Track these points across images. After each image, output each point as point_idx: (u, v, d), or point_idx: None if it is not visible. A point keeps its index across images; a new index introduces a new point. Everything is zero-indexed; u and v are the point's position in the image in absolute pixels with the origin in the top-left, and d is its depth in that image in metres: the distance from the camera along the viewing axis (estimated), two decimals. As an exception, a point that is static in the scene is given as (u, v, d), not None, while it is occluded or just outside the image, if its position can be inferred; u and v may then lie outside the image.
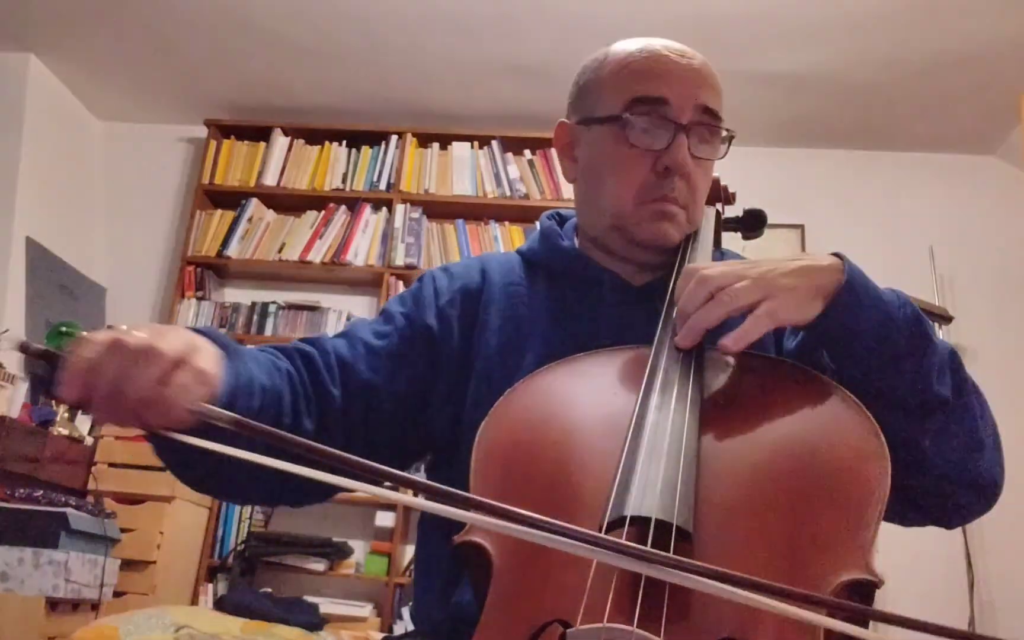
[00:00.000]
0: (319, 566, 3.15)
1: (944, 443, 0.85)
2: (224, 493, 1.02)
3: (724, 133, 1.01)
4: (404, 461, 1.02)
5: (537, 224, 1.13)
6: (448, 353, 1.00)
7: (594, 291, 1.02)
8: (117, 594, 2.66)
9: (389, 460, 0.64)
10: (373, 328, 1.01)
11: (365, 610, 3.09)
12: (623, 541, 0.58)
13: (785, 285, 0.81)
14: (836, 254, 0.86)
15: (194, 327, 0.81)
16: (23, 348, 0.68)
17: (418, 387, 0.99)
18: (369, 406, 0.96)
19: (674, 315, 0.88)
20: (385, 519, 3.23)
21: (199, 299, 3.58)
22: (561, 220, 1.14)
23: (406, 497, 0.62)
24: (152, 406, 0.66)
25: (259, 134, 3.83)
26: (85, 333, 0.69)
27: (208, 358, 0.73)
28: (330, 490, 0.99)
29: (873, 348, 0.83)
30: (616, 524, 0.65)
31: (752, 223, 1.13)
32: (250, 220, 3.69)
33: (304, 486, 0.93)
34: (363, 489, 0.62)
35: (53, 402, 3.04)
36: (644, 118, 0.98)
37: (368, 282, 3.65)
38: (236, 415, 0.65)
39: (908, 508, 0.90)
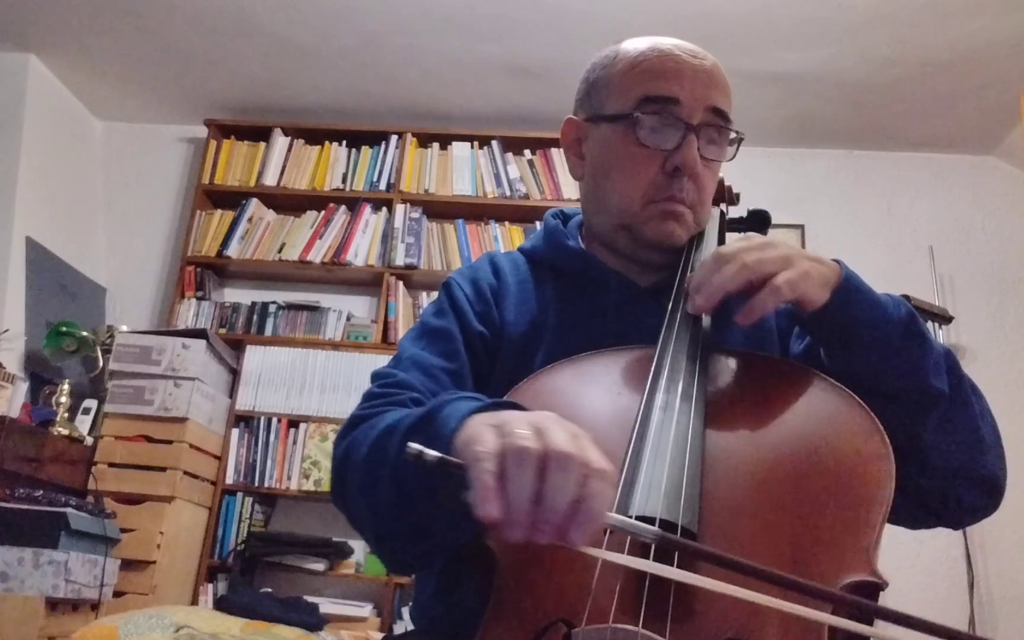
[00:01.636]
0: (319, 566, 3.15)
1: (945, 438, 0.86)
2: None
3: (733, 135, 1.01)
4: None
5: (538, 224, 1.13)
6: (498, 352, 1.00)
7: (600, 290, 1.02)
8: (117, 594, 2.66)
9: None
10: (438, 350, 0.97)
11: (365, 610, 3.08)
12: (641, 525, 0.58)
13: (804, 266, 0.82)
14: (834, 260, 0.87)
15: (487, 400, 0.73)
16: (417, 457, 0.61)
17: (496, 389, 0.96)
18: None
19: (679, 311, 0.88)
20: (385, 519, 3.22)
21: (199, 299, 3.58)
22: (565, 218, 1.14)
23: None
24: (577, 525, 0.58)
25: (259, 134, 3.83)
26: (477, 443, 0.60)
27: (594, 445, 0.62)
28: None
29: (870, 343, 0.83)
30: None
31: (756, 223, 1.13)
32: (250, 220, 3.69)
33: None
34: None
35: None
36: (654, 117, 0.97)
37: (368, 282, 3.65)
38: (663, 533, 0.59)
39: (916, 510, 0.90)
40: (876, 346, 0.84)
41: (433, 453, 0.61)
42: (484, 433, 0.61)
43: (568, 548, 0.59)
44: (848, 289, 0.84)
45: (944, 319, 3.30)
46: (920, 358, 0.85)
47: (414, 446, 0.61)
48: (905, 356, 0.84)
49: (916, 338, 0.85)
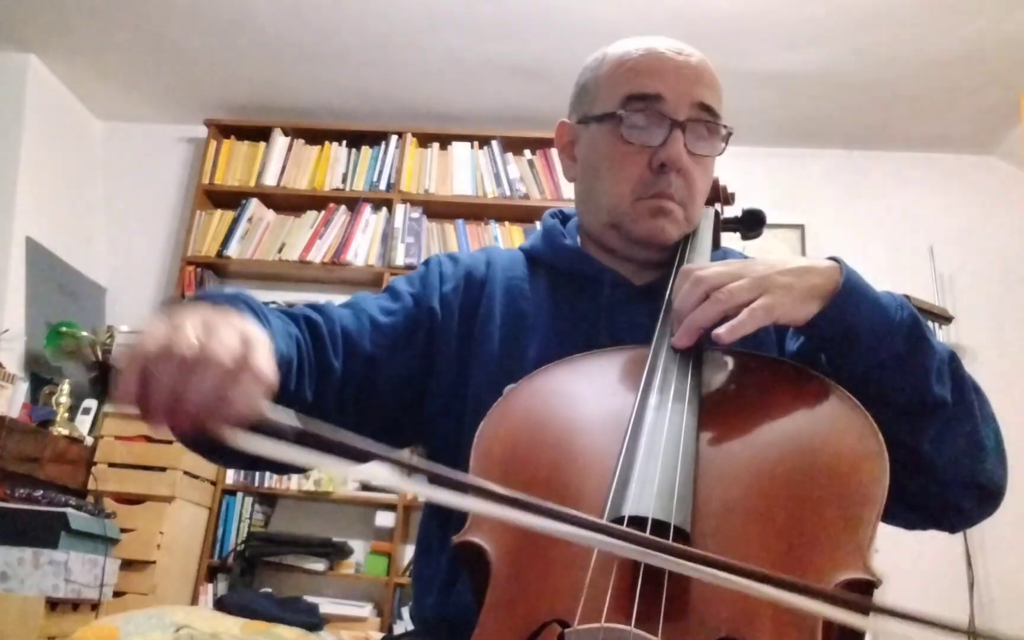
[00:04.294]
0: (319, 566, 3.15)
1: (944, 446, 0.85)
2: (231, 464, 1.00)
3: (723, 130, 1.01)
4: (394, 444, 1.00)
5: (538, 223, 1.13)
6: (447, 341, 1.00)
7: (595, 290, 1.02)
8: (117, 594, 2.67)
9: (378, 439, 0.64)
10: (380, 304, 1.01)
11: (365, 610, 3.09)
12: (625, 529, 0.58)
13: (782, 284, 0.81)
14: (834, 258, 0.86)
15: (222, 293, 0.79)
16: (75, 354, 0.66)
17: (417, 370, 0.99)
18: (367, 381, 0.96)
19: (671, 316, 0.88)
20: (385, 519, 3.23)
21: (199, 299, 3.58)
22: (564, 218, 1.14)
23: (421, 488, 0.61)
24: (213, 415, 0.62)
25: (259, 134, 3.83)
26: (134, 331, 0.66)
27: (264, 353, 0.67)
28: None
29: (871, 349, 0.82)
30: (614, 524, 0.65)
31: (751, 223, 1.13)
32: (250, 220, 3.69)
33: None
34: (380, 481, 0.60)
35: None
36: (639, 115, 0.98)
37: (368, 282, 3.65)
38: (300, 426, 0.62)
39: (911, 512, 0.89)
40: (876, 353, 0.82)
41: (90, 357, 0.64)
42: (154, 326, 0.65)
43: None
44: (845, 296, 0.82)
45: (944, 319, 3.30)
46: (923, 366, 0.83)
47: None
48: (907, 364, 0.83)
49: (919, 344, 0.83)
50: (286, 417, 0.62)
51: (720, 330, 0.80)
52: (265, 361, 0.66)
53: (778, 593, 0.53)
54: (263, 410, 0.63)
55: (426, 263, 1.08)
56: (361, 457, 0.61)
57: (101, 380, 0.66)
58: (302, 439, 0.61)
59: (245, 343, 0.65)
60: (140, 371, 0.62)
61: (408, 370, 0.98)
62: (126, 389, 0.63)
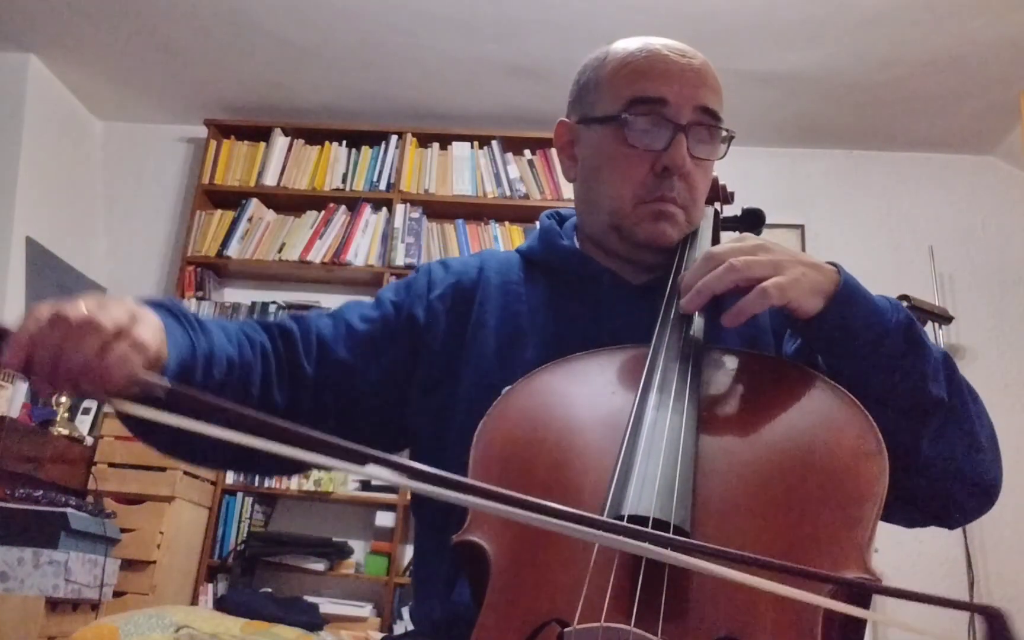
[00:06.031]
0: (319, 566, 3.15)
1: (942, 444, 0.86)
2: (192, 459, 1.06)
3: (724, 133, 1.01)
4: (382, 446, 1.00)
5: (537, 223, 1.13)
6: (431, 346, 1.01)
7: (593, 290, 1.02)
8: (117, 594, 2.67)
9: (366, 441, 0.63)
10: (361, 312, 1.03)
11: (365, 610, 3.09)
12: (626, 524, 0.58)
13: (796, 272, 0.82)
14: (832, 263, 0.87)
15: (152, 299, 0.85)
16: None
17: (395, 376, 1.00)
18: (344, 385, 0.97)
19: (672, 311, 0.88)
20: (385, 519, 3.23)
21: (199, 299, 3.58)
22: (561, 219, 1.14)
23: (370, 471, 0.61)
24: (88, 376, 0.67)
25: (259, 134, 3.83)
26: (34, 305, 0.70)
27: (149, 329, 0.74)
28: (300, 465, 1.02)
29: (868, 350, 0.83)
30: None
31: (750, 222, 1.13)
32: (250, 220, 3.69)
33: (271, 458, 0.94)
34: (317, 462, 0.62)
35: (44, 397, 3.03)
36: (643, 118, 0.98)
37: (368, 282, 3.65)
38: (169, 383, 0.66)
39: (911, 510, 0.90)
40: (874, 355, 0.83)
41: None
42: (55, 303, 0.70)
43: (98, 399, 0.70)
44: (845, 296, 0.83)
45: (944, 319, 3.30)
46: (919, 366, 0.84)
47: None
48: (904, 365, 0.84)
49: (915, 346, 0.84)
50: (157, 379, 0.67)
51: (725, 317, 0.80)
52: (148, 334, 0.73)
53: (778, 587, 0.53)
54: (136, 373, 0.68)
55: (418, 269, 1.10)
56: (248, 426, 0.62)
57: None
58: (174, 400, 0.65)
59: (132, 317, 0.72)
60: (30, 336, 0.67)
61: (386, 375, 1.00)
62: (14, 348, 0.67)
